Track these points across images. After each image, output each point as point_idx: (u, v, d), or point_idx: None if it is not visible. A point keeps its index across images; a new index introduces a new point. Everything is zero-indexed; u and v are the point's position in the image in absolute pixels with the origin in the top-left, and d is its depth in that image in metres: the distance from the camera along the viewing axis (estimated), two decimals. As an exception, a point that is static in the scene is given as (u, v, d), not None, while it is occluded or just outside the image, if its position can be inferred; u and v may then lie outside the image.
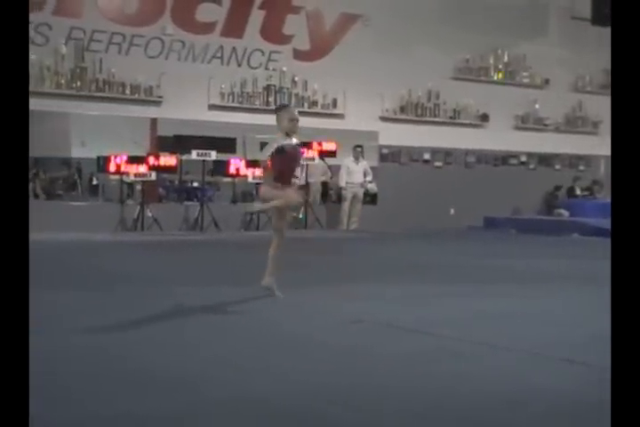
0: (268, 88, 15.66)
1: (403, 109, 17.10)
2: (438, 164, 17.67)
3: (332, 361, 4.62)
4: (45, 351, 4.53)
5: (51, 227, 12.81)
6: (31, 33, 13.75)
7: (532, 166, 18.63)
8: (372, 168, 16.30)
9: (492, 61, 18.00)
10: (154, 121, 15.09)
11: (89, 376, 4.13)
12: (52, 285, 7.22)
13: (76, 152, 16.30)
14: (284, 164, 6.66)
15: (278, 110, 6.99)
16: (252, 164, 14.56)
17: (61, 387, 3.93)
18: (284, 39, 15.82)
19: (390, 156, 17.17)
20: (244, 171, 14.55)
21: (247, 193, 15.76)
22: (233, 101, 15.34)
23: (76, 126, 15.97)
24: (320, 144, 15.36)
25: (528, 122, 18.50)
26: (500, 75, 18.09)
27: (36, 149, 16.19)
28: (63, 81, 14.06)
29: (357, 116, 16.41)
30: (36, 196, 15.34)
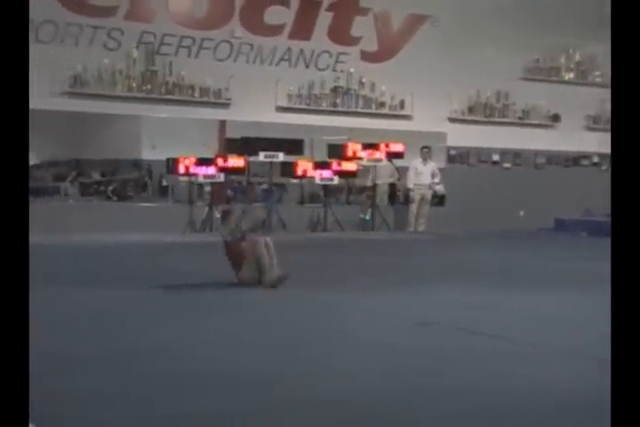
0: (335, 90, 15.74)
1: (471, 110, 17.00)
2: (507, 165, 17.51)
3: (399, 363, 4.65)
4: (104, 352, 4.65)
5: (121, 228, 13.11)
6: (104, 38, 14.13)
7: (604, 167, 18.31)
8: (440, 169, 16.25)
9: (563, 61, 17.76)
10: (222, 123, 15.27)
11: (148, 378, 4.19)
12: (117, 285, 7.37)
13: (147, 154, 16.64)
14: None
15: None
16: (319, 165, 14.77)
17: (124, 388, 4.01)
18: (352, 41, 15.87)
19: (458, 157, 17.09)
20: (311, 172, 14.67)
21: (314, 194, 15.86)
22: (300, 103, 15.45)
23: (146, 129, 16.31)
24: (387, 145, 15.37)
25: (600, 122, 18.17)
26: (572, 74, 17.83)
27: (108, 151, 16.68)
28: (134, 84, 14.35)
29: (425, 117, 16.37)
30: (109, 197, 15.72)
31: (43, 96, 13.54)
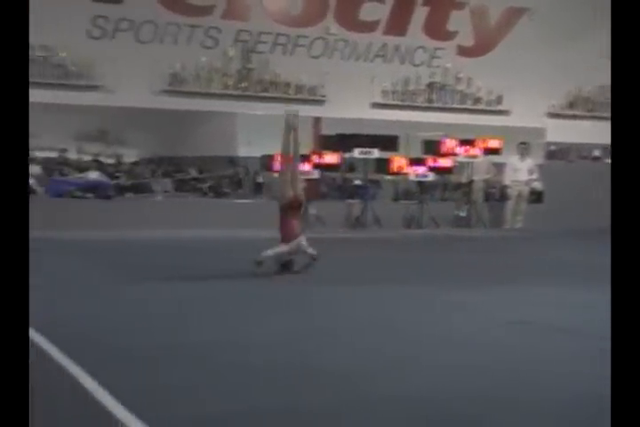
0: (431, 85, 15.73)
1: (572, 105, 16.71)
2: (609, 161, 17.14)
3: (493, 362, 4.64)
4: (197, 346, 4.78)
5: (218, 224, 13.35)
6: (201, 36, 14.45)
7: None
8: (539, 166, 16.01)
9: (669, 52, 17.27)
10: (317, 120, 15.40)
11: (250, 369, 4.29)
12: (219, 278, 7.54)
13: (242, 151, 16.94)
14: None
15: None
16: (414, 161, 14.72)
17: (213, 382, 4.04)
18: (448, 35, 15.84)
19: (558, 153, 16.82)
20: (406, 169, 14.65)
21: (409, 191, 15.82)
22: (396, 99, 15.49)
23: (242, 126, 16.62)
24: (484, 141, 15.23)
25: None
26: (678, 67, 17.33)
27: (204, 148, 17.03)
28: (231, 82, 14.61)
29: (523, 112, 16.18)
30: (205, 194, 16.03)
31: (143, 94, 13.98)
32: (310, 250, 8.07)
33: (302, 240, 8.06)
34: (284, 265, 8.09)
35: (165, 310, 5.95)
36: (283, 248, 8.02)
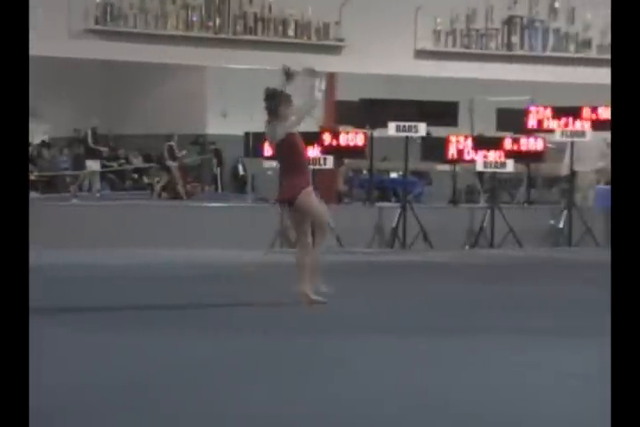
0: (509, 22, 15.75)
1: None
2: None
3: None
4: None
5: (184, 242, 13.22)
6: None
7: None
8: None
9: None
10: (330, 77, 14.86)
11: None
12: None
13: (214, 127, 16.97)
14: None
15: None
16: (483, 142, 14.54)
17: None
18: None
19: None
20: (470, 154, 14.52)
21: (475, 188, 15.88)
22: (454, 45, 15.52)
23: (213, 87, 16.63)
24: (594, 110, 15.14)
25: None
26: None
27: (155, 122, 17.03)
28: (195, 18, 14.44)
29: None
30: (157, 194, 16.11)
31: (57, 37, 13.83)
32: None
33: None
34: None
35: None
36: None
